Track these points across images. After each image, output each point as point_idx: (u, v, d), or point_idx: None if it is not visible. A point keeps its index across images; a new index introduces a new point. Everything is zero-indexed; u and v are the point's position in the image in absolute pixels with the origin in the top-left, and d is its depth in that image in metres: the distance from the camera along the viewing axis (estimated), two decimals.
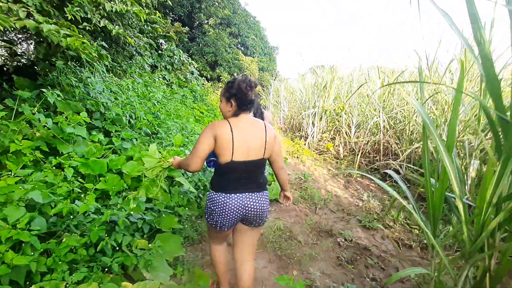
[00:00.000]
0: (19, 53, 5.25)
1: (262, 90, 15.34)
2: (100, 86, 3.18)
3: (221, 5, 15.67)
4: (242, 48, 17.70)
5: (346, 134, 6.47)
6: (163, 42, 9.17)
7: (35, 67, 3.86)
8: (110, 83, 3.54)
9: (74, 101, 2.86)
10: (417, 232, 2.84)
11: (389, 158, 5.07)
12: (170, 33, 8.69)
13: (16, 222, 1.44)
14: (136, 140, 3.05)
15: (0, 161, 1.98)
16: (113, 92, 3.33)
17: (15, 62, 5.19)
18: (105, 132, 2.93)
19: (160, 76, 6.34)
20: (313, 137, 7.09)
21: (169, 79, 7.07)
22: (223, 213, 1.41)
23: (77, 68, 3.22)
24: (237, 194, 1.41)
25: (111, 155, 2.46)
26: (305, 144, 7.04)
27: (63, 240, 1.70)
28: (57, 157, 2.05)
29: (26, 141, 2.05)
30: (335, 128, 6.99)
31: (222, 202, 1.40)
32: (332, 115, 7.01)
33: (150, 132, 3.44)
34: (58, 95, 2.53)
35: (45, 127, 2.33)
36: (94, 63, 3.40)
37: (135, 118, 3.38)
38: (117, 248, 1.81)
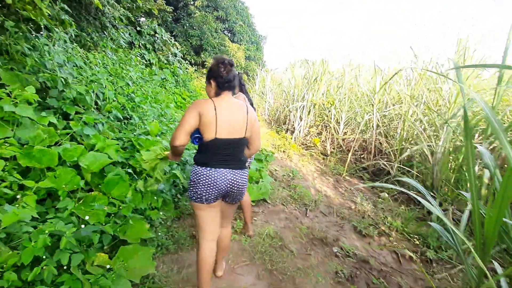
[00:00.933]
0: None
1: (248, 80, 14.85)
2: (60, 58, 2.62)
3: None
4: (229, 34, 16.97)
5: (334, 130, 6.23)
6: (144, 19, 8.39)
7: None
8: (73, 55, 2.96)
9: (24, 73, 2.31)
10: (417, 242, 2.62)
11: (380, 158, 4.88)
12: (153, 10, 7.95)
13: None
14: (103, 125, 2.56)
15: None
16: (78, 67, 2.78)
17: None
18: (63, 114, 2.41)
19: (138, 54, 5.70)
20: (299, 131, 6.80)
21: (149, 59, 6.43)
22: (208, 185, 1.44)
23: (33, 33, 2.63)
24: (221, 169, 1.46)
25: (67, 143, 1.98)
26: (291, 138, 6.74)
27: None
28: None
29: None
30: (323, 123, 6.75)
31: (207, 175, 1.44)
32: (321, 110, 6.74)
33: (121, 117, 2.93)
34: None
35: None
36: (54, 29, 2.81)
37: (103, 100, 2.86)
38: (65, 267, 1.39)
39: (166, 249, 2.01)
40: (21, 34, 2.54)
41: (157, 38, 7.38)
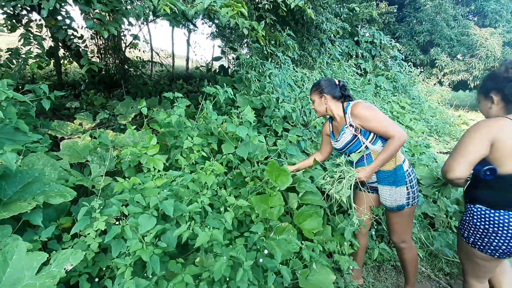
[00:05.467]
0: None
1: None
2: (276, 80, 2.89)
3: None
4: (475, 18, 12.90)
5: None
6: (361, 28, 8.14)
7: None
8: (291, 76, 3.20)
9: (250, 96, 2.73)
10: None
11: None
12: (374, 15, 7.52)
13: (146, 234, 1.28)
14: (306, 142, 2.52)
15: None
16: (291, 86, 2.96)
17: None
18: (275, 131, 2.61)
19: (353, 64, 5.50)
20: None
21: (364, 68, 6.07)
22: (509, 237, 1.18)
23: (260, 60, 3.08)
24: None
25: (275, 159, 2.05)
26: None
27: (196, 261, 1.45)
28: (211, 159, 1.87)
29: (198, 138, 2.02)
30: None
31: (508, 223, 1.17)
32: None
33: None
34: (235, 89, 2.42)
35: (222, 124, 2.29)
36: (278, 55, 3.17)
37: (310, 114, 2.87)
38: None
39: None
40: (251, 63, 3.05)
41: (375, 43, 6.86)
